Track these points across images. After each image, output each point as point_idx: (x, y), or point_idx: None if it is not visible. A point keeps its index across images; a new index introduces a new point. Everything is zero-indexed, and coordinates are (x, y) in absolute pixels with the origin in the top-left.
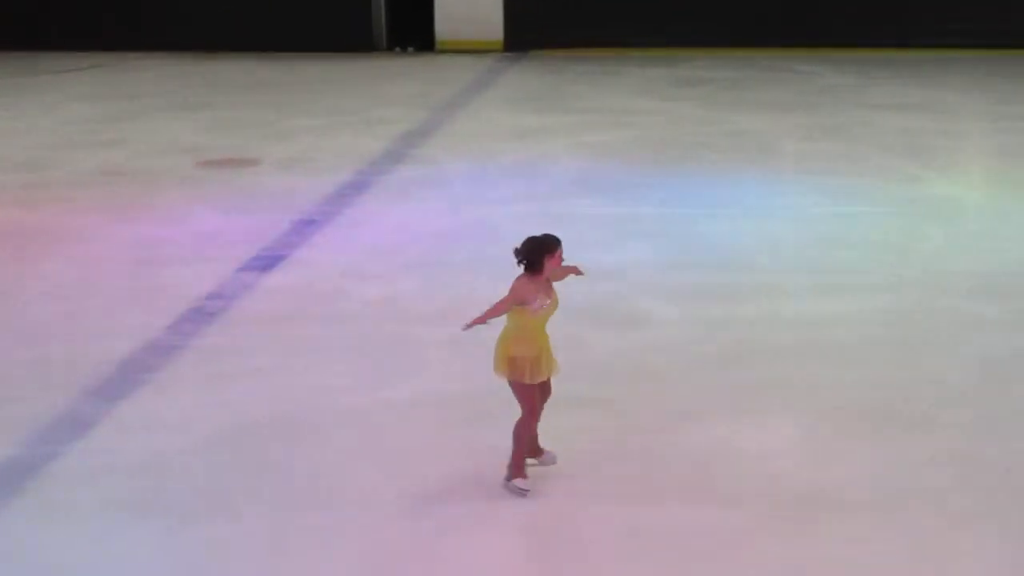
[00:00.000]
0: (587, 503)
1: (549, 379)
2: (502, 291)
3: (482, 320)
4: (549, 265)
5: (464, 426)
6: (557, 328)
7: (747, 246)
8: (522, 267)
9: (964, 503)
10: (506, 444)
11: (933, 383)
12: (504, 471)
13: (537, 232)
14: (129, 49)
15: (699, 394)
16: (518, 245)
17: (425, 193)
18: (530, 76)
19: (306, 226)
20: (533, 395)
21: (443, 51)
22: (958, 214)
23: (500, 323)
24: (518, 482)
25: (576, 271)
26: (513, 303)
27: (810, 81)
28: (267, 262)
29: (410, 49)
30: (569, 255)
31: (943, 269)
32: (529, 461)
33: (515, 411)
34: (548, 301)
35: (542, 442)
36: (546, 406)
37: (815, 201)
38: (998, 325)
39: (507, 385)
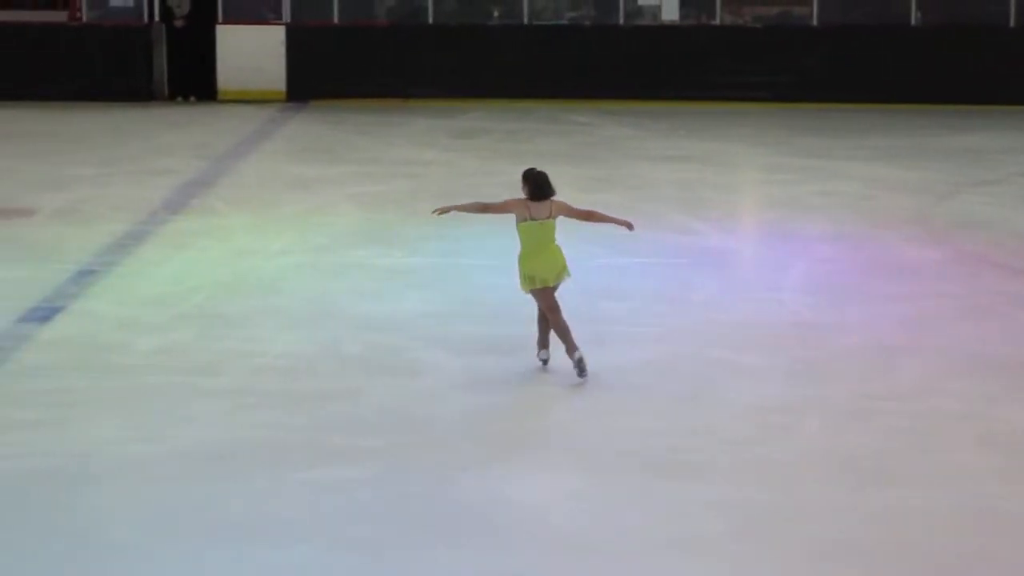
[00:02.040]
0: (364, 552)
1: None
2: (280, 343)
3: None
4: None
5: (240, 476)
6: (331, 377)
7: (521, 298)
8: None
9: (739, 550)
10: (278, 501)
11: (705, 433)
12: None
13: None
14: None
15: (472, 445)
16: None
17: (204, 243)
18: (311, 126)
19: (84, 277)
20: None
21: (225, 100)
22: (730, 265)
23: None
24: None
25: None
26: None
27: (587, 132)
28: (45, 313)
29: (191, 98)
30: (346, 306)
31: (715, 319)
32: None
33: (290, 464)
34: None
35: None
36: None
37: (588, 252)
38: (768, 374)
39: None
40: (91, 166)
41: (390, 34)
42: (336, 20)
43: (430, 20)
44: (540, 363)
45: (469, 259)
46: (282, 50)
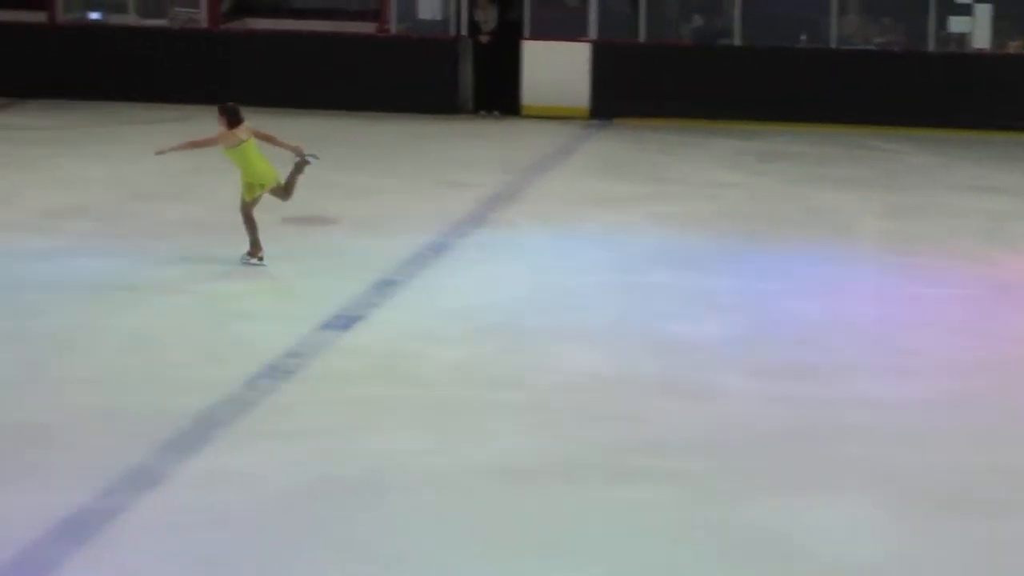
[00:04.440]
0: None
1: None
2: (579, 361)
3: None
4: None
5: (535, 494)
6: (629, 397)
7: (823, 324)
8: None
9: None
10: (574, 520)
11: (1005, 469)
12: None
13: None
14: (216, 103)
15: (768, 471)
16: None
17: (504, 258)
18: (614, 144)
19: (386, 287)
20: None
21: (529, 116)
22: None
23: None
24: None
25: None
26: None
27: (894, 159)
28: (346, 322)
29: (495, 113)
30: (646, 326)
31: (1020, 355)
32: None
33: (586, 483)
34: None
35: None
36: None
37: (893, 281)
38: None
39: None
40: (395, 177)
41: (696, 54)
42: (642, 39)
43: (737, 42)
44: (256, 262)
45: (770, 283)
46: (587, 67)
